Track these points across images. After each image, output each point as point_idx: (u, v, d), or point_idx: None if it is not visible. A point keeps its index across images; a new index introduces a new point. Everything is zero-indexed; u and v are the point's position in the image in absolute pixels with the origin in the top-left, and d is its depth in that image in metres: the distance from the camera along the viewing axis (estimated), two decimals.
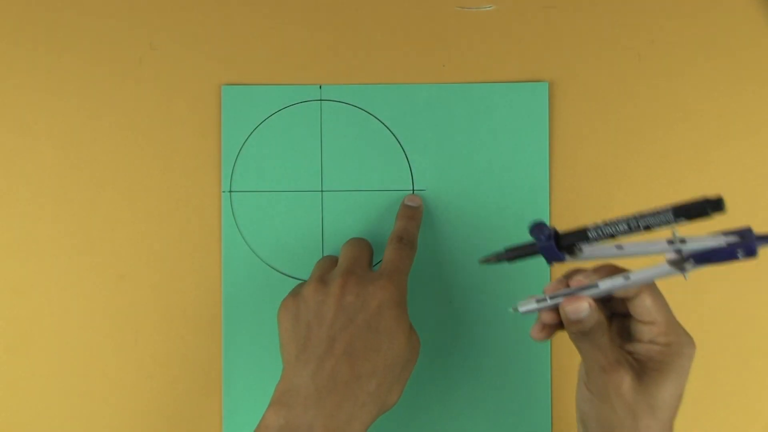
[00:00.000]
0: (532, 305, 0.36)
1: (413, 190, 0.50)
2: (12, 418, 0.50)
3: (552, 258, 0.34)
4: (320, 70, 0.51)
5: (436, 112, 0.50)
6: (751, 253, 0.30)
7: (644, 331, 0.34)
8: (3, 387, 0.50)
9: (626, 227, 0.31)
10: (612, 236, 0.32)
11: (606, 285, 0.34)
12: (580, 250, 0.34)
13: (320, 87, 0.50)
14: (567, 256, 0.34)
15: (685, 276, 0.33)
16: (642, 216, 0.31)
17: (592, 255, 0.34)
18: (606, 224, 0.32)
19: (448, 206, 0.50)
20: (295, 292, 0.42)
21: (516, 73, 0.51)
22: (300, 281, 0.50)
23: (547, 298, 0.36)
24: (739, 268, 0.51)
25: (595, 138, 0.51)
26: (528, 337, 0.50)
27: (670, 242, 0.32)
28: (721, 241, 0.31)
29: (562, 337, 0.50)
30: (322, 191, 0.50)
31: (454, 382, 0.50)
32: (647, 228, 0.31)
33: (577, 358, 0.50)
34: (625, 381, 0.34)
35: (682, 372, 0.33)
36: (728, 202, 0.51)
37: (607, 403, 0.35)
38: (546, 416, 0.50)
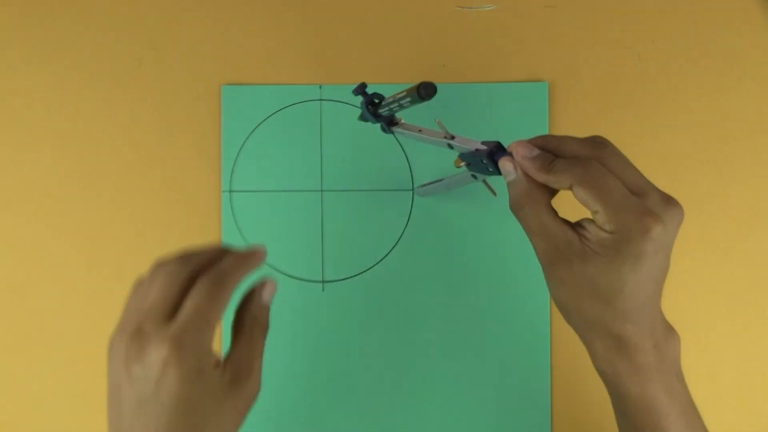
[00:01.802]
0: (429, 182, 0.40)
1: (413, 190, 0.50)
2: (12, 418, 0.50)
3: (367, 119, 0.43)
4: (320, 70, 0.51)
5: (437, 112, 0.50)
6: (491, 157, 0.35)
7: (593, 216, 0.31)
8: (3, 387, 0.50)
9: (393, 102, 0.38)
10: (390, 107, 0.39)
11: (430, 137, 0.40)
12: (397, 124, 0.42)
13: (320, 87, 0.50)
14: (391, 128, 0.42)
15: (476, 178, 0.39)
16: (397, 96, 0.37)
17: (407, 132, 0.41)
18: (387, 101, 0.39)
19: (448, 206, 0.50)
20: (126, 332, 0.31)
21: (516, 73, 0.51)
22: (300, 281, 0.50)
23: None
24: (739, 268, 0.51)
25: None
26: (528, 337, 0.50)
27: (445, 137, 0.38)
28: (476, 145, 0.36)
29: (563, 338, 0.50)
30: (322, 191, 0.50)
31: (454, 382, 0.50)
32: (401, 106, 0.38)
33: (577, 358, 0.50)
34: (565, 270, 0.32)
35: (637, 259, 0.30)
36: (728, 202, 0.51)
37: (561, 291, 0.33)
38: (546, 416, 0.50)
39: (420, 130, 0.40)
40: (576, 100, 0.51)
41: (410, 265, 0.50)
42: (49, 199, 0.50)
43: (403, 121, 0.42)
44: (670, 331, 0.33)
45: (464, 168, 0.40)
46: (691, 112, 0.51)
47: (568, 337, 0.50)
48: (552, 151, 0.33)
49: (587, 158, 0.32)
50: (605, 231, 0.31)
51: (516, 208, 0.34)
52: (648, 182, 0.32)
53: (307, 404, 0.50)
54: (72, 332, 0.50)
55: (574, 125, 0.50)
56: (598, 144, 0.33)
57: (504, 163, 0.34)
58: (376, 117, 0.42)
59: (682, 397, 0.33)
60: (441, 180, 0.46)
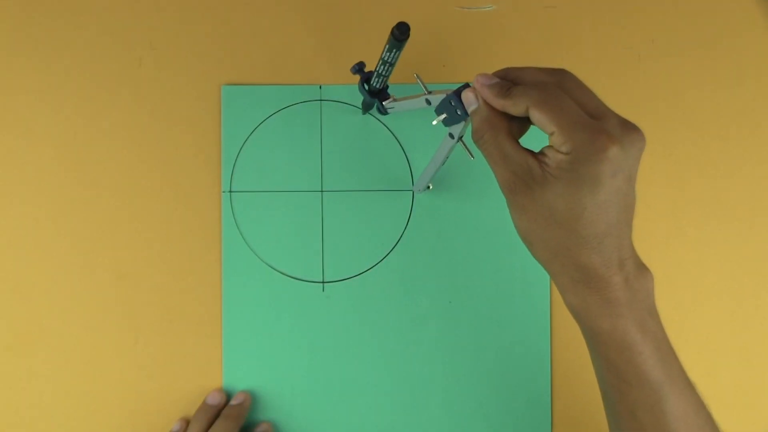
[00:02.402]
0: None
1: (413, 190, 0.50)
2: (12, 418, 0.50)
3: (367, 101, 0.46)
4: (320, 70, 0.51)
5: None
6: (457, 95, 0.36)
7: (551, 141, 0.31)
8: (3, 387, 0.50)
9: (381, 65, 0.41)
10: (379, 74, 0.42)
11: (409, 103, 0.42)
12: (388, 98, 0.44)
13: (320, 87, 0.50)
14: (383, 106, 0.45)
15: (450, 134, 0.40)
16: (382, 54, 0.40)
17: (399, 105, 0.43)
18: (376, 69, 0.42)
19: (448, 206, 0.50)
20: None
21: None
22: (300, 281, 0.50)
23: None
24: (739, 267, 0.51)
25: None
26: (528, 337, 0.50)
27: (424, 95, 0.40)
28: (446, 92, 0.37)
29: (563, 338, 0.50)
30: (322, 191, 0.50)
31: (454, 382, 0.50)
32: (388, 63, 0.40)
33: (577, 358, 0.50)
34: (526, 197, 0.32)
35: (594, 180, 0.29)
36: (728, 202, 0.51)
37: (523, 220, 0.32)
38: (546, 416, 0.50)
39: (406, 99, 0.42)
40: None
41: (410, 265, 0.50)
42: (49, 199, 0.50)
43: (394, 96, 0.44)
44: (641, 268, 0.33)
45: (445, 136, 0.40)
46: (691, 112, 0.51)
47: (568, 337, 0.50)
48: (513, 81, 0.33)
49: (544, 83, 0.32)
50: (562, 153, 0.30)
51: (477, 137, 0.34)
52: (606, 107, 0.32)
53: (307, 404, 0.50)
54: (72, 332, 0.50)
55: None
56: (557, 71, 0.33)
57: (466, 94, 0.35)
58: (372, 94, 0.44)
59: (655, 334, 0.32)
60: (428, 165, 0.46)
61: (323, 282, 0.50)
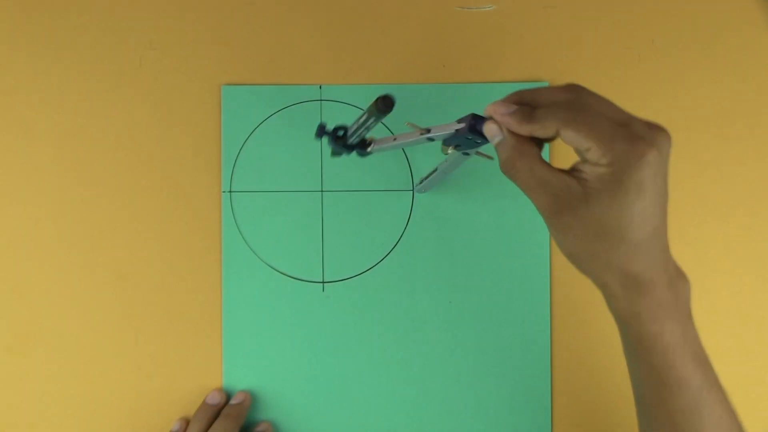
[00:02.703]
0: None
1: (413, 190, 0.50)
2: (12, 418, 0.50)
3: (340, 152, 0.42)
4: (320, 70, 0.51)
5: (436, 112, 0.50)
6: (473, 129, 0.35)
7: (586, 156, 0.31)
8: (3, 387, 0.50)
9: (359, 128, 0.38)
10: (357, 134, 0.39)
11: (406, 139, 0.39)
12: (370, 144, 0.41)
13: (320, 87, 0.50)
14: (363, 150, 0.41)
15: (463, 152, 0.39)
16: (360, 120, 0.37)
17: (384, 146, 0.41)
18: (352, 129, 0.39)
19: (448, 206, 0.50)
20: None
21: (516, 73, 0.51)
22: (300, 281, 0.50)
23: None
24: (739, 267, 0.51)
25: None
26: (528, 337, 0.50)
27: (421, 133, 0.38)
28: (453, 127, 0.36)
29: (563, 337, 0.50)
30: (322, 191, 0.50)
31: (454, 382, 0.50)
32: (367, 128, 0.38)
33: (577, 358, 0.50)
34: (571, 217, 0.31)
35: (639, 186, 0.30)
36: (728, 202, 0.51)
37: (570, 240, 0.32)
38: (546, 416, 0.50)
39: (395, 139, 0.40)
40: None
41: (410, 265, 0.50)
42: (49, 199, 0.50)
43: (375, 140, 0.42)
44: (680, 272, 0.34)
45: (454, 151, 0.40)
46: (691, 112, 0.51)
47: (568, 337, 0.50)
48: (529, 104, 0.33)
49: (566, 101, 0.32)
50: (602, 165, 0.30)
51: (508, 167, 0.33)
52: (629, 114, 0.32)
53: (307, 404, 0.50)
54: (72, 332, 0.50)
55: None
56: (572, 88, 0.33)
57: (488, 127, 0.34)
58: (348, 148, 0.41)
59: (695, 339, 0.33)
60: (436, 170, 0.45)
61: (323, 282, 0.50)
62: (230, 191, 0.50)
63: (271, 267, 0.50)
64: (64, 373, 0.50)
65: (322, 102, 0.50)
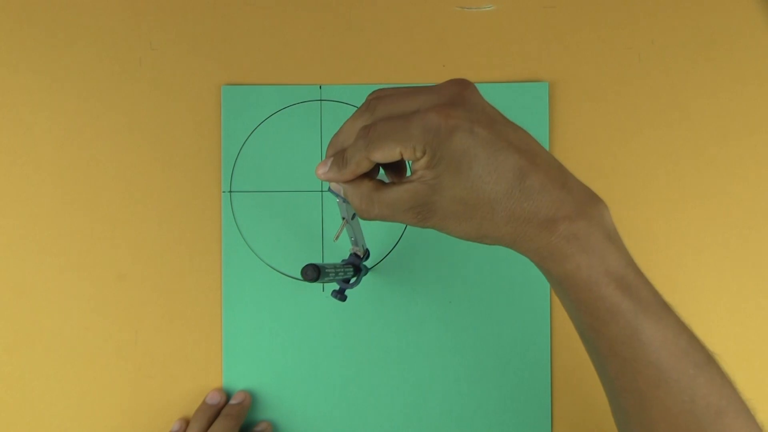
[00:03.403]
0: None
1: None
2: (12, 418, 0.50)
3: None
4: (320, 70, 0.51)
5: None
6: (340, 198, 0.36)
7: (406, 159, 0.31)
8: (3, 387, 0.50)
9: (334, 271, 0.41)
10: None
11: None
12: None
13: (320, 87, 0.50)
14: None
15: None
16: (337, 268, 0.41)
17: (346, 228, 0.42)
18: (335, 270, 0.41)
19: None
20: None
21: (516, 73, 0.51)
22: (300, 281, 0.50)
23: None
24: (739, 267, 0.51)
25: (595, 138, 0.51)
26: (528, 337, 0.50)
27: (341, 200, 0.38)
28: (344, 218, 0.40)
29: (563, 338, 0.50)
30: (322, 191, 0.50)
31: (454, 382, 0.50)
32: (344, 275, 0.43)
33: (577, 358, 0.50)
34: (440, 216, 0.32)
35: (461, 154, 0.30)
36: (728, 202, 0.51)
37: (460, 228, 0.33)
38: (546, 416, 0.50)
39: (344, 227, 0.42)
40: (576, 100, 0.51)
41: (410, 265, 0.50)
42: (49, 199, 0.50)
43: (338, 234, 0.43)
44: (591, 197, 0.32)
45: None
46: (691, 112, 0.51)
47: (568, 337, 0.50)
48: (341, 147, 0.34)
49: (362, 127, 0.32)
50: (421, 159, 0.31)
51: (363, 214, 0.34)
52: (417, 89, 0.32)
53: (307, 404, 0.50)
54: (72, 332, 0.50)
55: (574, 125, 0.50)
56: (367, 105, 0.33)
57: (331, 188, 0.36)
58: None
59: (619, 262, 0.31)
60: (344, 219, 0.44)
61: (323, 282, 0.50)
62: (230, 191, 0.50)
63: (271, 267, 0.50)
64: (64, 373, 0.50)
65: (322, 102, 0.50)
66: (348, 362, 0.50)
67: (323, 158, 0.50)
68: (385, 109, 0.32)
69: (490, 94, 0.50)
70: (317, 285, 0.50)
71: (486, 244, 0.33)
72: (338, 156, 0.33)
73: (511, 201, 0.31)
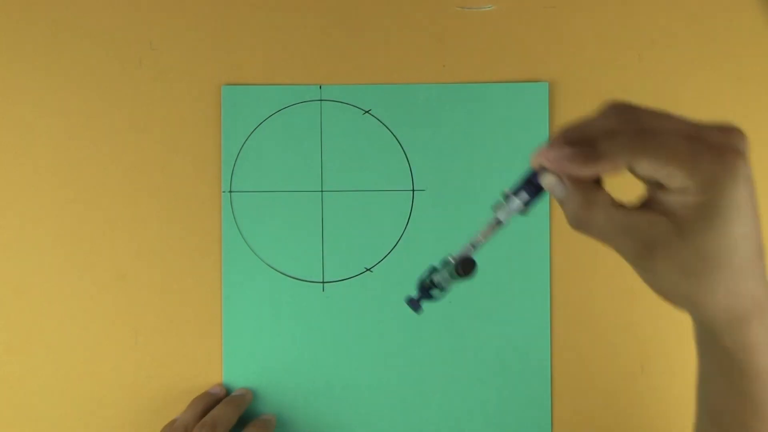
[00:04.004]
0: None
1: (413, 189, 0.50)
2: (12, 418, 0.50)
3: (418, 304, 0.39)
4: (320, 70, 0.51)
5: (436, 112, 0.50)
6: (530, 188, 0.32)
7: (667, 183, 0.27)
8: (3, 387, 0.50)
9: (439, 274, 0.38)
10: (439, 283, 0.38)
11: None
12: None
13: (320, 87, 0.50)
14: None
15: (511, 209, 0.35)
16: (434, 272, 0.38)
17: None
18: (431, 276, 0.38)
19: (448, 206, 0.50)
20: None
21: (516, 73, 0.51)
22: (300, 281, 0.50)
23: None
24: None
25: None
26: (528, 337, 0.50)
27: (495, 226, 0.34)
28: (518, 204, 0.33)
29: (563, 338, 0.50)
30: (322, 191, 0.50)
31: (454, 382, 0.50)
32: (433, 283, 0.38)
33: (577, 358, 0.50)
34: (665, 259, 0.27)
35: (738, 202, 0.25)
36: None
37: (668, 281, 0.28)
38: (546, 416, 0.50)
39: (473, 246, 0.38)
40: (576, 100, 0.51)
41: (410, 265, 0.50)
42: (48, 200, 0.50)
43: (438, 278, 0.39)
44: None
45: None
46: (691, 112, 0.51)
47: (568, 337, 0.50)
48: (578, 142, 0.28)
49: (623, 129, 0.27)
50: (689, 191, 0.26)
51: (579, 224, 0.29)
52: (691, 120, 0.28)
53: (307, 404, 0.50)
54: (72, 332, 0.50)
55: None
56: (619, 109, 0.28)
57: (547, 180, 0.29)
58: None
59: None
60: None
61: (323, 282, 0.50)
62: (230, 191, 0.50)
63: (271, 267, 0.50)
64: (64, 373, 0.50)
65: (322, 102, 0.50)
66: (348, 362, 0.50)
67: (323, 158, 0.50)
68: (656, 119, 0.28)
69: (490, 94, 0.50)
70: (317, 285, 0.50)
71: (666, 301, 0.29)
72: (583, 149, 0.27)
73: (743, 274, 0.27)
